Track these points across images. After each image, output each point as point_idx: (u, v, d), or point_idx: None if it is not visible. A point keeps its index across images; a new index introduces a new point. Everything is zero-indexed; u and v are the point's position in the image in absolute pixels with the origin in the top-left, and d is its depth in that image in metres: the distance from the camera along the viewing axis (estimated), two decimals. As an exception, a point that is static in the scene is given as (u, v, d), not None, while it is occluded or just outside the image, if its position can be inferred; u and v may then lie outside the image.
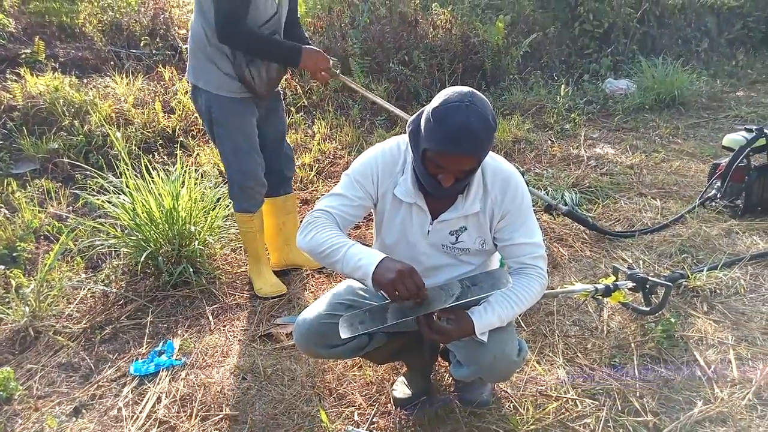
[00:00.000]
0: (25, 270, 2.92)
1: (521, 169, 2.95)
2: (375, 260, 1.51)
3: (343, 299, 1.86)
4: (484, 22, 6.01)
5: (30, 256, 3.04)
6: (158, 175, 2.95)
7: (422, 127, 1.54)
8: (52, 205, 3.49)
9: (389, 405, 2.05)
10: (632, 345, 2.27)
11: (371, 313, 1.61)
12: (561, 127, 4.78)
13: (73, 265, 3.00)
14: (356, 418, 2.00)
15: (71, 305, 2.73)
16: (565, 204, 3.33)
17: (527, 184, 2.80)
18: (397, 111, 2.87)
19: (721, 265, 2.68)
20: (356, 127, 4.72)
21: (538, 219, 3.31)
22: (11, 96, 4.19)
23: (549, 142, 4.53)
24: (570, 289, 2.21)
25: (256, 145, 2.58)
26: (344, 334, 1.56)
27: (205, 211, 3.06)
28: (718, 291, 2.57)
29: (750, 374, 2.08)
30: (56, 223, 3.30)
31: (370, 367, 2.23)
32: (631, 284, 2.37)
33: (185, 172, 3.08)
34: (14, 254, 2.99)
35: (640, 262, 2.86)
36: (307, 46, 2.45)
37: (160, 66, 4.97)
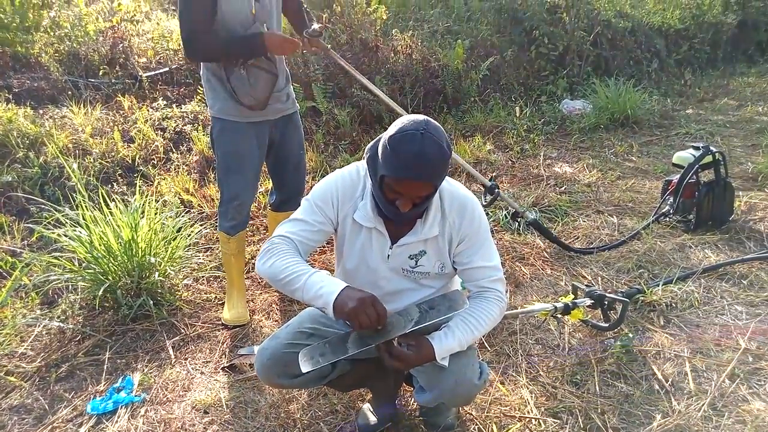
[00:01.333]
0: (-24, 309, 2.81)
1: (493, 176, 3.01)
2: (335, 289, 1.51)
3: (304, 328, 1.85)
4: (444, 46, 6.14)
5: (-19, 294, 2.93)
6: (116, 206, 2.90)
7: (379, 154, 1.57)
8: (5, 240, 3.39)
9: (354, 433, 2.03)
10: (593, 361, 2.32)
11: (331, 344, 1.60)
12: (521, 148, 4.89)
13: (27, 302, 2.91)
14: (321, 448, 1.97)
15: (25, 343, 2.64)
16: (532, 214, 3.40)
17: (497, 196, 2.87)
18: (388, 100, 2.88)
19: (676, 279, 2.77)
20: (320, 152, 4.73)
21: (500, 238, 3.39)
22: (-38, 128, 4.07)
23: (509, 162, 4.62)
24: (530, 308, 2.25)
25: (248, 168, 2.60)
26: (305, 367, 1.55)
27: (166, 241, 3.02)
28: (673, 305, 2.64)
29: (705, 386, 2.14)
30: (9, 258, 3.19)
31: (334, 395, 2.22)
32: (589, 301, 2.42)
33: (145, 201, 3.03)
34: (-36, 292, 2.88)
35: (599, 278, 2.93)
36: (269, 31, 2.41)
37: (120, 95, 4.91)
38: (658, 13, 8.33)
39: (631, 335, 2.34)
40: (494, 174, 3.01)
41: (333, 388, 2.06)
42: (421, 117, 1.56)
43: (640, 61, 7.48)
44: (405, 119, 1.56)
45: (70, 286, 2.95)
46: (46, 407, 2.28)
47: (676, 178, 3.43)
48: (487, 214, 3.63)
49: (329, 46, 5.58)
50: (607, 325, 2.43)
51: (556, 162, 4.67)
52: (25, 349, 2.60)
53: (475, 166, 4.50)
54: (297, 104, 2.79)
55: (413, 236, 1.72)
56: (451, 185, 1.76)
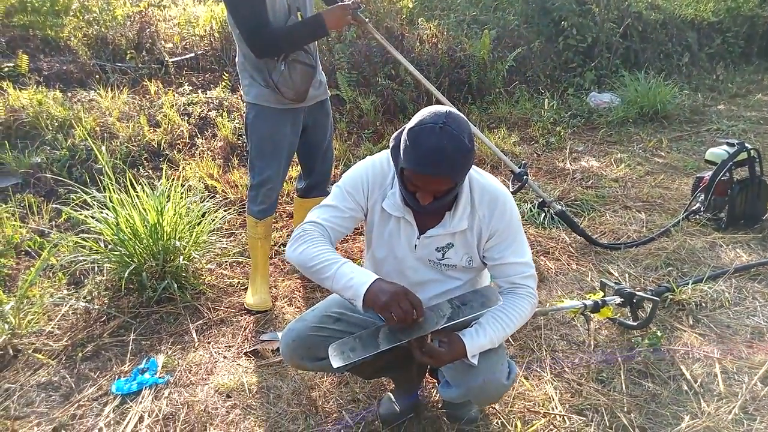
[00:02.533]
0: (5, 287, 2.86)
1: (523, 163, 2.97)
2: (367, 281, 1.49)
3: (332, 312, 1.85)
4: (470, 36, 6.07)
5: (10, 272, 2.98)
6: (143, 189, 2.92)
7: (401, 146, 1.54)
8: (33, 220, 3.44)
9: (376, 423, 2.02)
10: (619, 359, 2.28)
11: (362, 339, 1.58)
12: (547, 141, 4.82)
13: (54, 281, 2.95)
14: (343, 436, 1.97)
15: (52, 322, 2.68)
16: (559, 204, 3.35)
17: (525, 183, 2.83)
18: (422, 78, 2.84)
19: (706, 278, 2.70)
20: (343, 140, 4.72)
21: (525, 231, 3.33)
22: (-7, 109, 4.13)
23: (535, 155, 4.56)
24: (559, 306, 2.22)
25: (283, 154, 2.63)
26: (336, 363, 1.52)
27: (190, 226, 3.03)
28: (703, 304, 2.59)
29: (736, 388, 2.09)
30: (38, 238, 3.25)
31: (356, 383, 2.21)
32: (618, 299, 2.37)
33: (171, 186, 3.05)
34: (-7, 271, 2.94)
35: (627, 275, 2.87)
36: (326, 9, 2.47)
37: (146, 80, 4.95)
38: (691, 5, 8.11)
39: (659, 334, 2.29)
40: (524, 161, 2.95)
41: (356, 374, 2.05)
42: (443, 109, 1.51)
43: (671, 54, 7.31)
44: (426, 111, 1.52)
45: (96, 268, 2.99)
46: (72, 385, 2.31)
47: (707, 175, 3.35)
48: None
49: (355, 35, 5.56)
50: (635, 323, 2.38)
51: (582, 156, 4.60)
52: (52, 327, 2.64)
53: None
54: (328, 91, 2.79)
55: (441, 228, 1.70)
56: (482, 177, 1.72)
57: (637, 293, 2.37)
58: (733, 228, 3.25)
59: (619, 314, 2.48)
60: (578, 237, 3.17)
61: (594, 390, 2.12)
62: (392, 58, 5.52)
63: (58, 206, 3.46)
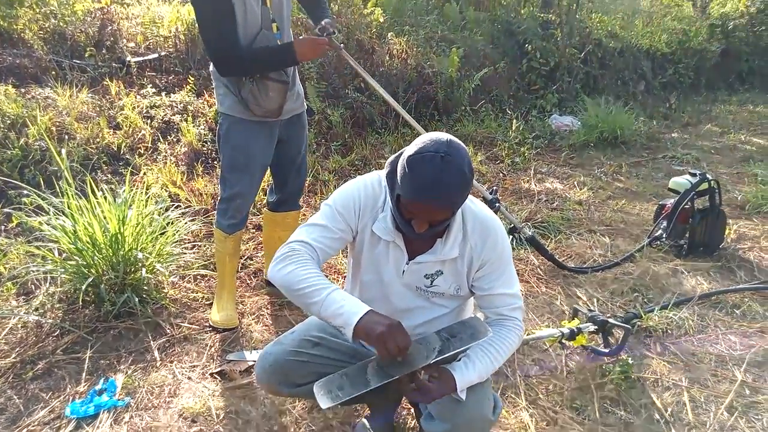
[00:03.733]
0: (-54, 296, 2.66)
1: (493, 189, 2.97)
2: (359, 310, 1.44)
3: (311, 335, 1.78)
4: (438, 54, 6.12)
5: (-47, 280, 2.77)
6: (103, 195, 2.77)
7: (398, 172, 1.51)
8: (-21, 224, 3.22)
9: (351, 451, 1.96)
10: (592, 386, 2.29)
11: (349, 376, 1.52)
12: (512, 161, 4.89)
13: (2, 292, 2.76)
14: (317, 465, 1.90)
15: (-1, 337, 2.50)
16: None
17: (497, 210, 2.84)
18: (398, 107, 2.81)
19: (671, 305, 2.77)
20: (312, 152, 4.64)
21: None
22: (-63, 103, 3.87)
23: (501, 174, 4.61)
24: (538, 335, 2.22)
25: (256, 168, 2.55)
26: (324, 403, 1.45)
27: (153, 236, 2.90)
28: (669, 331, 2.65)
29: (704, 417, 2.14)
30: (-16, 244, 3.04)
31: (330, 408, 2.14)
32: (593, 327, 2.40)
33: (133, 193, 2.91)
34: (-66, 278, 2.72)
35: (594, 300, 2.92)
36: (299, 38, 2.39)
37: (107, 79, 4.74)
38: (647, 35, 8.47)
39: (630, 361, 2.33)
40: (494, 187, 2.97)
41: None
42: (444, 137, 1.47)
43: (628, 81, 7.60)
44: (426, 138, 1.48)
45: (50, 278, 2.81)
46: (21, 408, 2.15)
47: (670, 202, 3.46)
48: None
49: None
50: (608, 350, 2.41)
51: (546, 177, 4.68)
52: (-1, 342, 2.47)
53: (468, 176, 4.47)
54: (306, 104, 2.73)
55: (431, 255, 1.66)
56: (475, 206, 1.69)
57: (610, 321, 2.40)
58: (693, 255, 3.36)
59: (592, 341, 2.51)
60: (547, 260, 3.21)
61: (569, 418, 2.13)
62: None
63: (8, 210, 3.25)
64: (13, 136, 3.79)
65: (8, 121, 3.87)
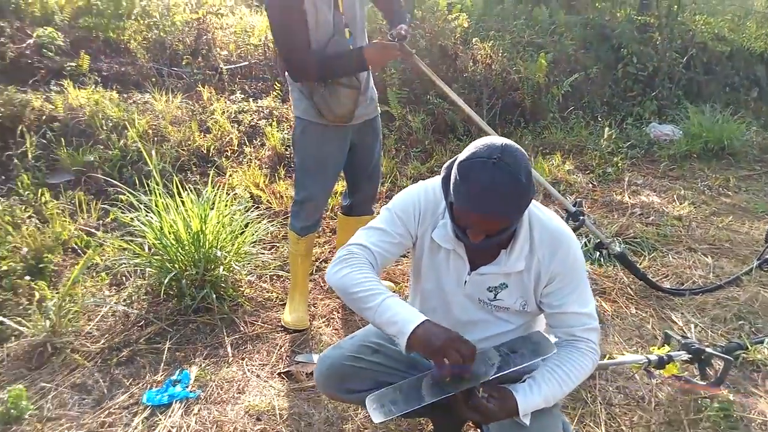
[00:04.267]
0: (50, 282, 2.85)
1: (577, 201, 2.79)
2: (415, 320, 1.37)
3: (370, 342, 1.73)
4: (525, 59, 5.92)
5: (56, 268, 2.98)
6: (188, 195, 2.88)
7: (451, 179, 1.42)
8: (82, 218, 3.45)
9: (413, 464, 1.89)
10: (685, 422, 2.07)
11: (403, 391, 1.46)
12: (603, 171, 4.62)
13: (97, 281, 2.93)
14: (377, 476, 1.84)
15: (91, 323, 2.65)
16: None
17: (581, 224, 2.65)
18: (472, 113, 2.72)
19: (784, 336, 2.47)
20: (391, 157, 4.63)
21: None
22: (53, 107, 4.20)
23: (590, 185, 4.36)
24: (620, 360, 2.02)
25: (328, 172, 2.57)
26: (376, 418, 1.39)
27: (233, 236, 2.98)
28: (779, 365, 2.36)
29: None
30: (85, 236, 3.25)
31: (393, 420, 2.07)
32: (685, 355, 2.17)
33: (216, 193, 3.01)
34: (41, 266, 2.93)
35: (691, 325, 2.66)
36: (369, 44, 2.37)
37: (200, 85, 4.99)
38: (761, 38, 7.76)
39: (732, 398, 2.08)
40: (578, 199, 2.78)
41: (395, 412, 1.92)
42: (498, 141, 1.37)
43: (737, 88, 6.99)
44: (480, 143, 1.39)
45: (139, 271, 2.96)
46: (105, 391, 2.26)
47: (783, 220, 3.11)
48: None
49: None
50: (704, 383, 2.17)
51: (642, 189, 4.37)
52: (91, 328, 2.62)
53: (553, 186, 4.26)
54: (378, 108, 2.70)
55: (495, 267, 1.55)
56: (544, 215, 1.56)
57: (707, 350, 2.16)
58: (809, 280, 3.00)
59: (685, 371, 2.27)
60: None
61: (654, 452, 1.94)
62: (442, 77, 5.46)
63: (106, 206, 3.47)
64: (114, 138, 4.05)
65: (110, 124, 4.14)
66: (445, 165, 1.53)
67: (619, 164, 4.70)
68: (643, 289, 2.95)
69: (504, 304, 1.59)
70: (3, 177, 3.57)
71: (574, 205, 2.81)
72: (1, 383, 2.24)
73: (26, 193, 3.39)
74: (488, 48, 5.84)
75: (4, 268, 2.79)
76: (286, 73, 2.48)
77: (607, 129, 5.07)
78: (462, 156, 1.39)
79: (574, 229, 2.72)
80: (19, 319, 2.52)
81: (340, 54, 2.34)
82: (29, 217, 3.20)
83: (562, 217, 2.96)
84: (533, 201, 1.57)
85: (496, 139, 1.39)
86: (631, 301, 2.86)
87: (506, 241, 1.53)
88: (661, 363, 2.05)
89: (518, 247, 1.52)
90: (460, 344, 1.35)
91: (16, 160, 3.65)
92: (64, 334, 2.50)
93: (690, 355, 2.15)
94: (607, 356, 2.42)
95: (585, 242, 3.32)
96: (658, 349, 2.14)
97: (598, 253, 3.12)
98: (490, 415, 1.44)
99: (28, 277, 2.79)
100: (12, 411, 2.03)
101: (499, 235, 1.43)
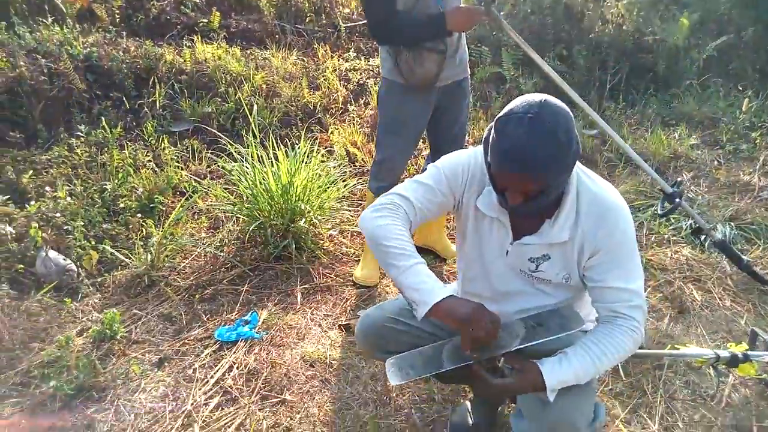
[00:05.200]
0: (158, 221, 3.20)
1: (677, 181, 2.54)
2: (441, 294, 1.38)
3: (412, 305, 1.75)
4: (664, 19, 5.34)
5: (165, 208, 3.33)
6: (282, 150, 3.05)
7: (489, 138, 1.37)
8: (193, 165, 3.80)
9: (444, 430, 1.91)
10: (755, 429, 1.87)
11: (424, 355, 1.47)
12: (735, 147, 4.10)
13: (198, 223, 3.24)
14: (406, 435, 1.89)
15: (186, 261, 2.95)
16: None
17: (677, 206, 2.41)
18: (562, 82, 2.59)
19: None
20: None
21: (677, 251, 2.90)
22: (182, 60, 4.60)
23: (715, 162, 3.91)
24: (682, 352, 1.83)
25: (409, 133, 2.60)
26: (393, 379, 1.43)
27: (321, 190, 3.11)
28: None
29: None
30: (193, 182, 3.58)
31: (436, 383, 2.10)
32: (768, 357, 1.93)
33: (310, 149, 3.15)
34: (152, 205, 3.30)
35: (795, 327, 2.34)
36: (453, 8, 2.33)
37: (317, 43, 5.15)
38: None
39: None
40: (680, 179, 2.51)
41: (433, 376, 1.94)
42: (539, 97, 1.30)
43: None
44: (519, 99, 1.33)
45: (234, 217, 3.21)
46: (185, 323, 2.53)
47: None
48: (667, 219, 3.12)
49: (529, 10, 5.19)
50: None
51: (778, 171, 3.83)
52: (184, 266, 2.91)
53: (669, 161, 3.89)
54: (468, 69, 2.63)
55: (537, 237, 1.49)
56: (595, 184, 1.47)
57: (797, 355, 1.90)
58: None
59: (766, 374, 2.03)
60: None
61: (709, 458, 1.78)
62: (565, 37, 5.12)
63: (214, 155, 3.78)
64: (231, 92, 4.35)
65: (229, 78, 4.44)
66: (489, 126, 1.48)
67: (758, 141, 4.13)
68: (746, 282, 2.63)
69: (546, 276, 1.53)
70: (134, 123, 4.01)
71: (673, 185, 2.55)
72: (105, 306, 2.59)
73: (149, 138, 3.78)
74: (621, 6, 5.35)
75: (122, 205, 3.18)
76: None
77: (747, 100, 4.45)
78: (500, 113, 1.35)
79: (670, 212, 2.49)
80: (126, 251, 2.87)
81: (423, 18, 2.31)
82: (148, 161, 3.58)
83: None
84: (584, 169, 1.48)
85: (537, 95, 1.33)
86: (727, 293, 2.58)
87: (550, 210, 1.46)
88: (735, 361, 1.83)
89: (563, 217, 1.45)
90: (485, 314, 1.36)
91: (146, 109, 4.07)
92: (161, 269, 2.81)
93: (774, 359, 1.91)
94: (669, 346, 2.22)
95: (690, 224, 3.01)
96: (736, 345, 1.91)
97: (697, 240, 2.82)
98: (509, 388, 1.41)
99: (139, 215, 3.15)
100: (106, 331, 2.35)
101: (538, 198, 1.37)
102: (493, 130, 1.34)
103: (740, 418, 1.92)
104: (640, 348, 1.52)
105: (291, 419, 1.99)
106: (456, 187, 1.56)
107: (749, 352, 1.89)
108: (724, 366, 1.87)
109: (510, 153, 1.28)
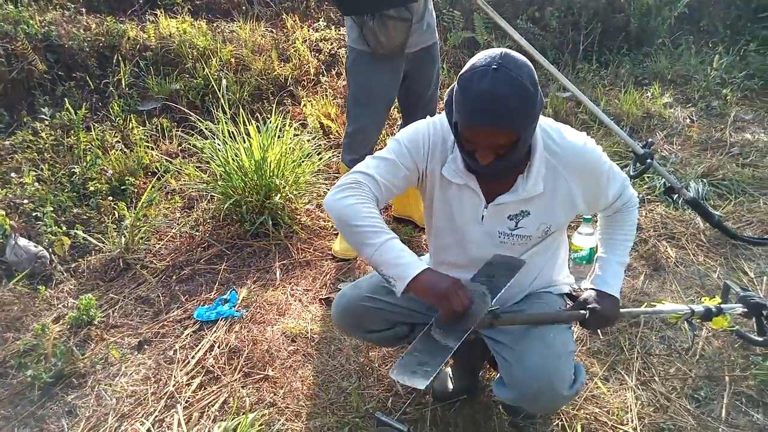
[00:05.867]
0: (130, 203, 3.14)
1: (650, 141, 2.58)
2: (419, 266, 1.37)
3: (387, 282, 1.74)
4: (636, -24, 5.30)
5: (136, 190, 3.26)
6: (253, 125, 2.99)
7: (453, 98, 1.35)
8: (164, 144, 3.71)
9: (428, 396, 1.93)
10: (727, 378, 1.92)
11: (422, 351, 1.38)
12: (707, 104, 4.13)
13: (171, 204, 3.18)
14: (389, 405, 1.91)
15: (161, 242, 2.90)
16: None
17: (648, 167, 2.44)
18: (534, 51, 2.57)
19: None
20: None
21: (651, 209, 2.94)
22: (146, 36, 4.45)
23: (687, 120, 3.94)
24: (657, 309, 1.85)
25: (378, 102, 2.56)
26: (421, 384, 1.30)
27: (295, 164, 3.07)
28: None
29: None
30: (164, 162, 3.51)
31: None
32: (741, 309, 1.97)
33: (282, 123, 3.09)
34: (123, 187, 3.23)
35: (765, 278, 2.40)
36: None
37: (286, 13, 5.02)
38: None
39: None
40: (650, 140, 2.53)
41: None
42: (498, 50, 1.29)
43: None
44: (480, 54, 1.31)
45: (208, 195, 3.16)
46: (163, 305, 2.50)
47: None
48: (641, 179, 3.14)
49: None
50: (761, 339, 1.98)
51: (748, 126, 3.87)
52: (160, 247, 2.87)
53: (642, 121, 3.90)
54: (437, 35, 2.58)
55: (513, 195, 1.47)
56: (551, 129, 1.49)
57: (768, 305, 1.94)
58: None
59: (738, 325, 2.07)
60: (715, 225, 2.70)
61: (684, 409, 1.82)
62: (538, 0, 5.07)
63: (184, 133, 3.69)
64: (199, 67, 4.23)
65: (196, 53, 4.32)
66: (449, 89, 1.45)
67: (728, 97, 4.17)
68: (718, 237, 2.68)
69: (525, 232, 1.53)
70: (100, 104, 3.89)
71: (644, 146, 2.56)
72: (80, 291, 2.55)
73: (117, 119, 3.68)
74: (592, -36, 5.29)
75: (92, 188, 3.10)
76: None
77: (718, 56, 4.47)
78: (462, 70, 1.32)
79: (641, 173, 2.51)
80: (99, 235, 2.82)
81: None
82: (117, 142, 3.49)
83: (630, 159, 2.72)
84: (543, 118, 1.47)
85: (495, 49, 1.31)
86: (701, 249, 2.62)
87: (522, 165, 1.46)
88: (708, 315, 1.85)
89: (535, 170, 1.45)
90: (461, 291, 1.35)
91: (111, 88, 3.95)
92: (135, 251, 2.77)
93: (746, 309, 1.95)
94: (645, 304, 2.27)
95: (663, 183, 3.05)
96: (709, 299, 1.94)
97: (668, 198, 2.86)
98: (604, 316, 1.56)
99: (110, 198, 3.08)
100: (83, 317, 2.31)
101: (510, 153, 1.35)
102: (456, 88, 1.32)
103: (713, 368, 1.98)
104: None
105: (275, 395, 1.99)
106: (419, 158, 1.52)
107: (722, 305, 1.93)
108: (698, 320, 1.91)
109: (479, 106, 1.25)
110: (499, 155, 1.34)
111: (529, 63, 1.29)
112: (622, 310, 1.62)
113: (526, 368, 1.46)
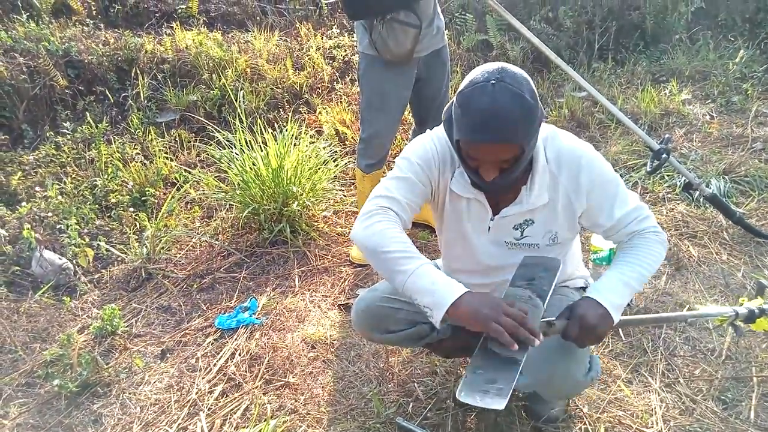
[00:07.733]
0: (150, 214, 3.18)
1: (665, 138, 2.51)
2: (455, 290, 1.30)
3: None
4: (651, -27, 5.24)
5: (156, 200, 3.30)
6: (270, 133, 3.02)
7: (453, 116, 1.35)
8: (183, 155, 3.76)
9: (449, 401, 1.92)
10: (755, 380, 1.88)
11: (488, 368, 1.28)
12: (727, 100, 4.06)
13: (191, 214, 3.22)
14: (410, 410, 1.90)
15: (181, 252, 2.94)
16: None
17: (664, 162, 2.38)
18: (546, 49, 2.57)
19: None
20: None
21: (672, 208, 2.89)
22: (163, 49, 4.52)
23: (707, 116, 3.88)
24: (702, 312, 1.77)
25: (391, 107, 2.57)
26: (500, 404, 1.21)
27: (312, 171, 3.09)
28: None
29: None
30: (183, 172, 3.55)
31: (438, 357, 2.11)
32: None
33: (299, 131, 3.12)
34: (143, 198, 3.27)
35: (792, 276, 2.35)
36: None
37: (299, 22, 5.06)
38: None
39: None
40: (668, 135, 2.49)
41: (431, 351, 1.95)
42: (495, 64, 1.30)
43: None
44: (478, 69, 1.32)
45: (227, 204, 3.19)
46: (185, 314, 2.53)
47: None
48: (662, 177, 3.10)
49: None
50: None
51: (771, 121, 3.80)
52: (180, 257, 2.90)
53: (661, 118, 3.85)
54: (446, 38, 2.59)
55: (517, 206, 1.49)
56: (557, 139, 1.48)
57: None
58: None
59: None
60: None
61: (711, 411, 1.79)
62: (550, -1, 5.04)
63: (202, 144, 3.74)
64: (215, 78, 4.29)
65: (212, 64, 4.38)
66: (447, 106, 1.46)
67: (749, 91, 4.09)
68: (741, 235, 2.63)
69: (532, 241, 1.54)
70: (120, 117, 3.96)
71: (660, 142, 2.53)
72: (104, 302, 2.59)
73: (136, 131, 3.74)
74: (605, -37, 5.25)
75: (113, 200, 3.15)
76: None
77: (741, 51, 4.39)
78: (461, 86, 1.33)
79: (657, 168, 2.48)
80: (121, 246, 2.86)
81: None
82: (137, 154, 3.55)
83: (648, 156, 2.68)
84: (544, 126, 1.47)
85: (492, 64, 1.32)
86: (723, 247, 2.58)
87: (525, 177, 1.46)
88: (752, 317, 1.80)
89: (538, 180, 1.46)
90: (507, 309, 1.28)
91: (130, 101, 4.02)
92: (156, 261, 2.80)
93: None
94: (687, 307, 2.23)
95: (682, 180, 3.00)
96: (748, 299, 1.89)
97: (687, 194, 2.82)
98: (586, 331, 1.34)
99: (132, 209, 3.13)
100: (107, 326, 2.35)
101: (513, 167, 1.35)
102: (455, 105, 1.32)
103: (740, 369, 1.94)
104: (654, 313, 1.54)
105: (295, 401, 2.00)
106: (432, 174, 1.53)
107: (764, 306, 1.86)
108: (741, 322, 1.86)
109: (481, 122, 1.26)
110: (503, 170, 1.35)
111: (527, 75, 1.31)
112: (665, 314, 1.60)
113: (541, 349, 1.42)
